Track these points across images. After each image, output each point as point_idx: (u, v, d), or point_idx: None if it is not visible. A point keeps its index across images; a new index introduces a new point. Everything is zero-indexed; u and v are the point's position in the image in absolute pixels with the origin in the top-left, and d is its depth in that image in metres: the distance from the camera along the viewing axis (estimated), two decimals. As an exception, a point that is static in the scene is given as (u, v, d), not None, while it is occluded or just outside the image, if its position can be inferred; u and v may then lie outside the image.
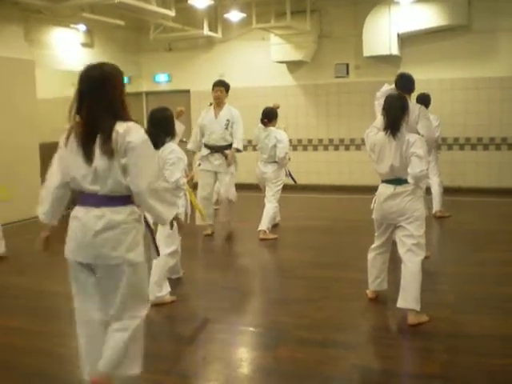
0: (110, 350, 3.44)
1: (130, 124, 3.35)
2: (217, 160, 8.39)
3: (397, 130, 4.92)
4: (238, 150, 8.42)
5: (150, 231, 3.76)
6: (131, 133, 3.31)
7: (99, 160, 3.28)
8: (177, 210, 3.65)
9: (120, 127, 3.30)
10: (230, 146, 8.39)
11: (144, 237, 3.53)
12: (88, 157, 3.31)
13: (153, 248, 3.81)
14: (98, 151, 3.29)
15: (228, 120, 8.37)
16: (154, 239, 3.84)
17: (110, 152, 3.26)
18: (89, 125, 3.34)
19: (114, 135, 3.27)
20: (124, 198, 3.39)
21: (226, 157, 8.32)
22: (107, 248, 3.35)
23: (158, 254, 3.91)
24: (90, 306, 3.52)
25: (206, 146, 8.45)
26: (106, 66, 3.45)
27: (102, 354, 3.45)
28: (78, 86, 3.43)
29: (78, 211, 3.44)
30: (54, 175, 3.53)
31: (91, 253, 3.38)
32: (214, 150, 8.40)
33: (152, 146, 3.49)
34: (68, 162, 3.41)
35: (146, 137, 3.42)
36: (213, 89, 8.43)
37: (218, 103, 8.43)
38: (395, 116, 4.95)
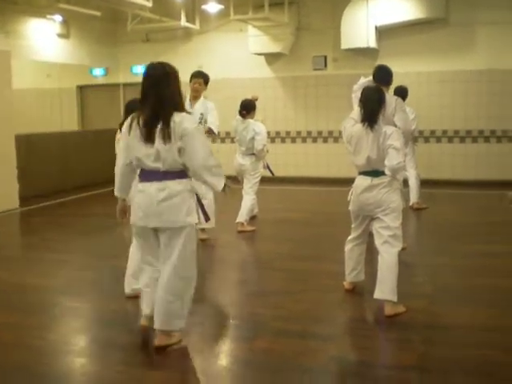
0: (162, 307, 4.19)
1: (184, 114, 4.18)
2: None
3: (374, 123, 4.93)
4: (211, 131, 7.71)
5: (199, 200, 4.42)
6: (186, 121, 4.12)
7: (160, 143, 4.07)
8: (224, 179, 4.34)
9: (177, 117, 4.09)
10: None
11: None
12: (151, 140, 4.09)
13: (202, 214, 4.46)
14: (158, 136, 4.05)
15: (202, 114, 7.71)
16: (202, 206, 4.48)
17: (168, 137, 4.05)
18: (151, 114, 4.10)
19: (171, 123, 4.06)
20: (180, 173, 4.19)
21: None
22: (169, 214, 4.13)
23: (208, 219, 4.77)
24: (151, 263, 4.31)
25: None
26: (166, 65, 4.26)
27: (155, 311, 4.21)
28: (142, 82, 4.20)
29: (143, 185, 4.21)
30: (121, 157, 4.33)
31: (156, 218, 4.14)
32: None
33: (202, 131, 4.42)
34: (132, 146, 4.17)
35: (197, 124, 4.38)
36: (191, 80, 7.85)
37: (195, 96, 7.85)
38: (372, 108, 4.95)
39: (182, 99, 4.25)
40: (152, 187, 4.15)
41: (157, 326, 4.23)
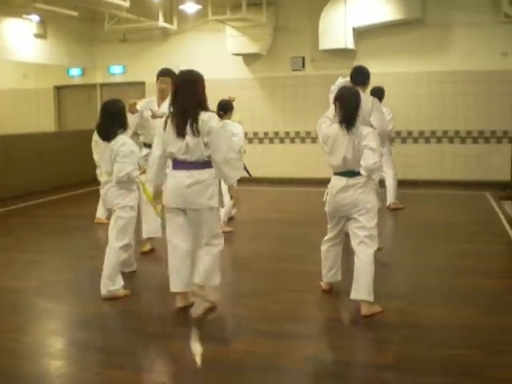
0: (202, 268, 5.05)
1: (210, 113, 4.94)
2: None
3: (352, 125, 4.93)
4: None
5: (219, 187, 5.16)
6: (212, 120, 4.88)
7: (189, 138, 4.82)
8: (241, 173, 5.40)
9: (204, 116, 4.84)
10: None
11: None
12: (181, 136, 4.83)
13: (221, 198, 5.19)
14: (188, 132, 4.80)
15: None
16: (221, 192, 5.20)
17: (197, 133, 4.80)
18: (182, 114, 4.85)
19: (200, 121, 4.80)
20: (205, 163, 4.93)
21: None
22: (195, 197, 4.90)
23: (223, 206, 5.39)
24: (180, 238, 5.03)
25: (146, 144, 6.81)
26: (194, 72, 5.03)
27: (195, 273, 5.06)
28: (173, 86, 5.01)
29: (174, 173, 5.00)
30: (157, 149, 5.07)
31: (184, 201, 4.93)
32: None
33: (227, 128, 5.13)
34: (167, 140, 4.95)
35: (221, 123, 5.06)
36: (157, 79, 6.99)
37: (162, 96, 6.92)
38: (351, 111, 4.95)
39: (206, 100, 4.99)
40: (181, 175, 4.92)
41: (199, 281, 5.08)
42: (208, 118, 4.85)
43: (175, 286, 5.06)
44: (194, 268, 5.07)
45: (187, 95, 4.87)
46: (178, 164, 4.96)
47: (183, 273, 5.04)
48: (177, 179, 4.95)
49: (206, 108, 4.94)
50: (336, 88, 6.15)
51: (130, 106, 6.40)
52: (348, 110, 4.96)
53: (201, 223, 5.02)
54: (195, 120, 4.81)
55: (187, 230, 5.07)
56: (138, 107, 6.80)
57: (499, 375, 3.86)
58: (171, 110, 4.97)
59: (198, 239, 5.09)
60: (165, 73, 6.95)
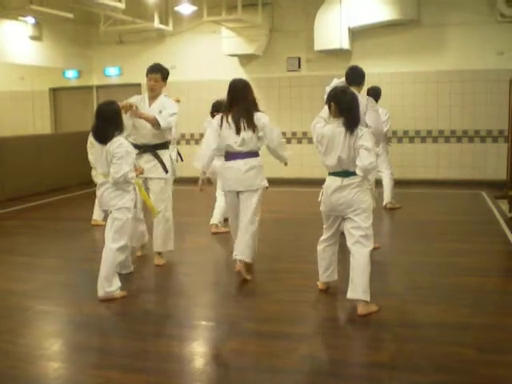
0: (243, 242, 6.04)
1: (261, 113, 6.07)
2: (146, 163, 6.44)
3: (356, 127, 4.94)
4: (157, 123, 6.37)
5: None
6: (263, 118, 6.03)
7: (245, 133, 5.96)
8: (289, 151, 6.60)
9: (256, 115, 6.00)
10: (163, 145, 6.67)
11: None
12: (239, 131, 5.96)
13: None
14: (245, 128, 5.95)
15: (161, 112, 6.48)
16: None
17: (253, 128, 5.97)
18: (238, 114, 5.98)
19: (255, 120, 5.96)
20: (256, 153, 6.15)
21: (158, 159, 6.56)
22: (252, 180, 6.07)
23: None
24: (236, 215, 6.24)
25: (135, 144, 6.21)
26: (243, 79, 6.22)
27: (236, 246, 6.08)
28: (228, 92, 6.07)
29: (230, 163, 6.09)
30: (211, 143, 6.04)
31: (241, 184, 6.05)
32: (143, 149, 6.53)
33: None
34: (224, 135, 6.00)
35: (268, 118, 6.09)
36: (146, 75, 6.60)
37: (153, 95, 6.60)
38: (354, 113, 4.96)
39: (256, 102, 6.11)
40: (237, 164, 6.03)
41: (239, 255, 6.03)
42: (260, 117, 6.01)
43: (235, 254, 6.10)
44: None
45: (243, 99, 5.99)
46: (234, 155, 6.04)
47: (238, 243, 6.11)
48: (233, 168, 6.05)
49: (257, 109, 6.08)
50: (331, 89, 6.16)
51: (124, 108, 6.22)
52: (352, 113, 4.95)
53: (251, 201, 6.06)
54: (251, 119, 5.94)
55: (238, 209, 6.15)
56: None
57: (494, 373, 3.88)
58: (228, 110, 6.03)
59: (245, 216, 6.06)
60: (154, 69, 6.62)
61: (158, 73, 6.57)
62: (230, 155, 6.06)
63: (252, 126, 5.93)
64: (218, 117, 6.08)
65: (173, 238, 6.78)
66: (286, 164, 6.50)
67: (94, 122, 5.58)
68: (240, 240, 6.04)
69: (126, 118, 6.19)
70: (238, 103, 5.95)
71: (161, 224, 6.62)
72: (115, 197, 5.46)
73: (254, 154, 6.09)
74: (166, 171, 6.58)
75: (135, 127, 6.54)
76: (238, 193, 6.11)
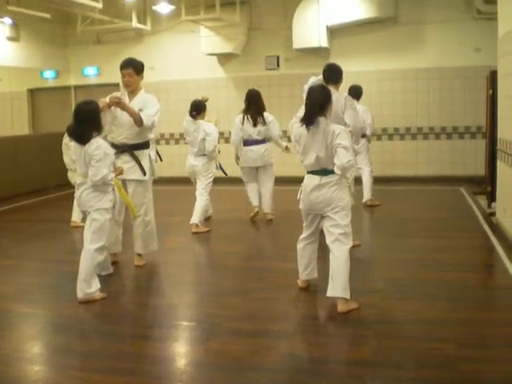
0: (268, 199, 9.02)
1: (267, 113, 8.73)
2: (124, 164, 6.23)
3: (310, 123, 4.95)
4: (140, 119, 6.18)
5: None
6: (270, 116, 8.75)
7: (260, 126, 8.67)
8: (285, 142, 9.32)
9: (265, 114, 8.69)
10: (143, 145, 6.47)
11: None
12: (255, 125, 8.64)
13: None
14: (260, 123, 8.65)
15: (141, 110, 6.25)
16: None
17: (263, 123, 8.66)
18: (254, 113, 8.63)
19: (265, 116, 8.67)
20: (266, 140, 8.80)
21: (135, 160, 6.38)
22: (266, 158, 8.83)
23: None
24: (253, 182, 8.98)
25: (112, 144, 6.17)
26: (257, 90, 8.89)
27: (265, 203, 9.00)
28: (245, 98, 8.81)
29: (251, 147, 8.75)
30: (238, 134, 8.79)
31: (260, 161, 8.80)
32: (121, 149, 6.33)
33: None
34: (245, 128, 8.67)
35: (272, 116, 8.85)
36: (120, 72, 6.37)
37: (131, 91, 6.39)
38: (311, 108, 4.97)
39: (264, 104, 8.82)
40: (258, 147, 8.75)
41: (266, 209, 9.00)
42: (268, 115, 8.75)
43: (254, 203, 8.99)
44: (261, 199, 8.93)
45: (258, 103, 8.71)
46: (253, 141, 8.71)
47: (255, 198, 8.96)
48: (254, 150, 8.73)
49: (265, 110, 8.79)
50: (309, 87, 6.17)
51: (102, 106, 6.09)
52: (309, 108, 4.98)
53: (268, 173, 8.97)
54: (262, 116, 8.67)
55: (256, 178, 8.97)
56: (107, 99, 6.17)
57: (474, 368, 3.90)
58: (246, 110, 8.71)
59: (264, 185, 8.93)
60: (125, 64, 6.36)
61: (130, 67, 6.31)
62: (249, 142, 8.71)
63: (263, 121, 8.65)
64: (240, 116, 8.72)
65: (156, 240, 6.74)
66: (286, 149, 8.99)
67: (71, 122, 5.52)
68: (265, 198, 8.92)
69: (105, 116, 6.03)
70: (255, 106, 8.65)
71: (140, 227, 6.55)
72: (94, 198, 5.44)
73: (265, 140, 8.79)
74: (144, 173, 6.41)
75: (115, 125, 6.36)
76: (257, 168, 8.84)
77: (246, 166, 8.86)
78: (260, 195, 9.00)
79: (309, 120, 4.96)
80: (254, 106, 8.64)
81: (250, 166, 8.84)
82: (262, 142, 8.71)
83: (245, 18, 12.70)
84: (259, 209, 8.98)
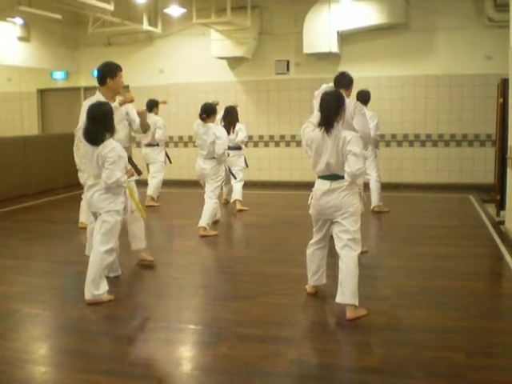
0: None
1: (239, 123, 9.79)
2: None
3: (330, 127, 4.94)
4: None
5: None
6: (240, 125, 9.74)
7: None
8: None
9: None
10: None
11: None
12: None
13: None
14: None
15: (127, 114, 6.35)
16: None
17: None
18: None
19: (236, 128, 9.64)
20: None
21: (129, 160, 6.03)
22: None
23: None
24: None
25: None
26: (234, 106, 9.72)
27: None
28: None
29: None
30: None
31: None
32: None
33: None
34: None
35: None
36: (119, 73, 6.30)
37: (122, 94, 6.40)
38: (329, 113, 4.96)
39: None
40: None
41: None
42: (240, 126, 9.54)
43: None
44: None
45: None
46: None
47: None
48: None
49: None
50: (320, 93, 6.16)
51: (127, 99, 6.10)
52: (326, 113, 4.97)
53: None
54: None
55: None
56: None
57: (483, 377, 3.88)
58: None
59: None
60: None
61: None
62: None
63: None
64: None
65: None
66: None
67: (85, 123, 5.51)
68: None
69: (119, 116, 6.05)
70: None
71: (138, 222, 6.55)
72: (106, 199, 5.44)
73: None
74: (139, 173, 6.36)
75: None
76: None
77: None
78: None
79: (328, 125, 4.95)
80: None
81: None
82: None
83: (255, 22, 12.71)
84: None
